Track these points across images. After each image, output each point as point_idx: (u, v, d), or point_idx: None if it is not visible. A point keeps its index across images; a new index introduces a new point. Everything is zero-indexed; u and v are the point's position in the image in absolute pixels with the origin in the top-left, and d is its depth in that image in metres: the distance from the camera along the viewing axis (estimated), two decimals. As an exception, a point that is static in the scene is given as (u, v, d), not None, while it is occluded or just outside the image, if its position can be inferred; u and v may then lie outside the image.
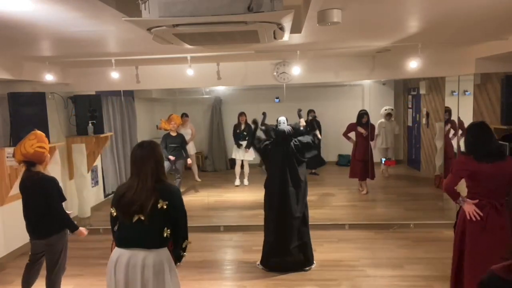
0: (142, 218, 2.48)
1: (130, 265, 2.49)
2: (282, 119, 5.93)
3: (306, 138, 4.50)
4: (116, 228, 2.59)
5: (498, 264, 1.45)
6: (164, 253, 2.56)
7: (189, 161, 7.42)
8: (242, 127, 8.12)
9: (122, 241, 2.56)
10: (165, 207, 2.50)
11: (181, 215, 2.63)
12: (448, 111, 6.41)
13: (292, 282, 4.19)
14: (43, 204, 3.38)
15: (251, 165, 8.32)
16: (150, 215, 2.48)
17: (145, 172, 2.52)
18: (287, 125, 4.56)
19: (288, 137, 4.41)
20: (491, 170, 3.08)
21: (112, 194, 2.98)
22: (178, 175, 7.33)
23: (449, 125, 6.45)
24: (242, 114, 8.26)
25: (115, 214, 2.57)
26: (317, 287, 4.09)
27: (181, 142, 7.32)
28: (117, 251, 2.56)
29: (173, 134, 7.29)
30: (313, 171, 8.68)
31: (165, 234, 2.54)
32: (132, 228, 2.51)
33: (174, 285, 2.61)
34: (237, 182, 8.18)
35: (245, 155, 8.05)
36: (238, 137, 8.14)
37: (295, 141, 4.42)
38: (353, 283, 4.13)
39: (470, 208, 3.13)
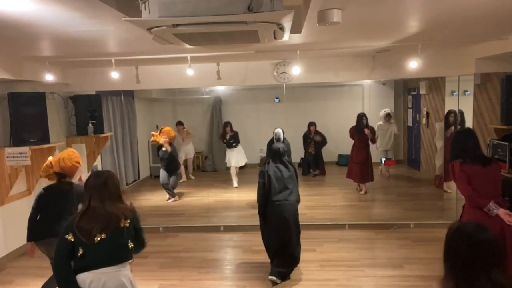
0: (104, 237, 2.49)
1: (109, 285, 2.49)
2: (278, 131, 5.91)
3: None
4: (79, 253, 2.50)
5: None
6: (127, 269, 2.63)
7: (181, 175, 7.35)
8: (228, 136, 8.09)
9: (85, 265, 2.51)
10: (127, 225, 2.56)
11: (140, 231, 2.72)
12: (453, 112, 6.21)
13: (292, 282, 4.19)
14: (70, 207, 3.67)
15: (250, 165, 8.35)
16: (114, 234, 2.52)
17: (103, 197, 2.58)
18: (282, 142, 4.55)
19: (282, 154, 4.38)
20: (483, 172, 3.26)
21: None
22: (170, 190, 7.32)
23: (452, 128, 6.27)
24: (227, 124, 8.16)
25: (72, 239, 2.50)
26: (317, 287, 4.10)
27: (170, 158, 7.12)
28: (79, 278, 2.50)
29: (164, 149, 7.04)
30: (316, 173, 8.70)
31: (130, 247, 2.60)
32: (96, 248, 2.49)
33: None
34: (235, 184, 8.20)
35: (238, 162, 8.07)
36: (227, 144, 8.14)
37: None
38: (353, 283, 4.13)
39: (504, 214, 3.18)
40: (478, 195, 3.24)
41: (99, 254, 2.50)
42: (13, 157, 4.86)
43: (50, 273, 4.17)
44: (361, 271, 4.38)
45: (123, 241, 2.56)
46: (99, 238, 2.49)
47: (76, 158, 3.77)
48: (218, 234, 5.76)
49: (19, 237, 4.98)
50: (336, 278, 4.23)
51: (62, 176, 3.71)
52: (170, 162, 7.19)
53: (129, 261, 2.63)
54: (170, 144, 7.14)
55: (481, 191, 3.23)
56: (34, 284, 4.33)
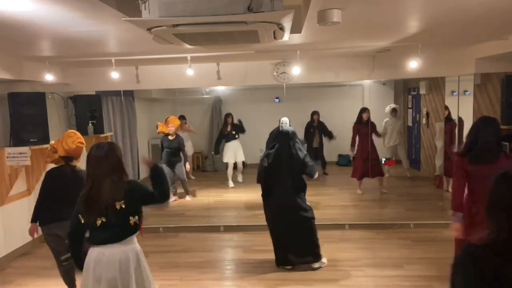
0: (104, 220, 2.57)
1: (98, 261, 2.58)
2: (285, 119, 5.94)
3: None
4: (87, 234, 2.66)
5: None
6: (135, 242, 2.72)
7: (187, 166, 7.23)
8: (229, 128, 8.05)
9: (94, 241, 2.64)
10: (123, 206, 2.57)
11: (149, 196, 2.71)
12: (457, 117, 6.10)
13: (292, 282, 4.19)
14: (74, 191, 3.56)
15: (250, 165, 8.34)
16: (112, 216, 2.58)
17: (101, 173, 2.59)
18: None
19: (292, 137, 4.37)
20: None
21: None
22: (176, 182, 7.25)
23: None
24: (229, 115, 8.12)
25: (83, 221, 2.63)
26: (317, 287, 4.09)
27: (178, 145, 7.05)
28: (93, 249, 2.64)
29: (171, 137, 7.00)
30: (324, 172, 8.68)
31: (132, 222, 2.64)
32: (98, 229, 2.60)
33: (148, 271, 2.77)
34: (231, 184, 8.18)
35: (236, 157, 7.99)
36: (227, 137, 8.06)
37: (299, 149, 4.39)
38: (353, 283, 4.13)
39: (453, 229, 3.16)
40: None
41: (102, 234, 2.60)
42: (13, 157, 4.86)
43: (50, 273, 4.19)
44: (361, 271, 4.38)
45: (122, 222, 2.61)
46: (99, 222, 2.58)
47: (78, 138, 3.69)
48: (218, 234, 5.76)
49: (19, 237, 4.99)
50: (336, 278, 4.23)
51: (69, 159, 3.65)
52: (177, 152, 7.04)
53: (134, 234, 2.69)
54: (177, 134, 7.07)
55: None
56: (34, 284, 4.33)
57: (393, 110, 7.79)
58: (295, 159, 4.31)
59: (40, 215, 3.65)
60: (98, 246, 2.61)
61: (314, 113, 8.28)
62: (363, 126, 7.08)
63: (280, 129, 4.49)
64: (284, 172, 4.30)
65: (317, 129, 8.21)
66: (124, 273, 2.59)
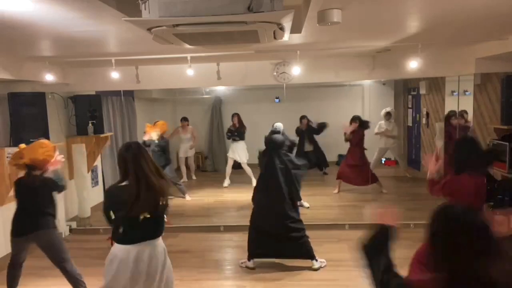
0: (148, 216, 2.64)
1: (139, 259, 2.65)
2: (278, 125, 5.94)
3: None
4: (121, 230, 2.68)
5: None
6: (161, 240, 2.88)
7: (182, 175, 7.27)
8: (233, 128, 8.10)
9: (129, 239, 2.68)
10: (165, 202, 2.72)
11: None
12: (461, 114, 5.96)
13: (292, 282, 4.19)
14: (46, 201, 3.66)
15: (250, 165, 8.34)
16: (156, 212, 2.69)
17: (144, 172, 2.64)
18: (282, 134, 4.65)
19: (280, 146, 4.41)
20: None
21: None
22: (175, 181, 7.20)
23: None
24: (235, 115, 8.18)
25: (113, 216, 2.68)
26: (317, 287, 4.09)
27: (163, 148, 6.95)
28: (122, 248, 2.67)
29: (147, 138, 6.79)
30: (324, 170, 8.69)
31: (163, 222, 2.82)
32: (140, 226, 2.65)
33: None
34: (226, 183, 8.19)
35: (238, 156, 8.01)
36: (230, 136, 8.14)
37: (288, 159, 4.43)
38: (353, 283, 4.13)
39: None
40: None
41: (142, 231, 2.68)
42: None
43: (50, 273, 4.18)
44: (361, 271, 4.37)
45: (161, 220, 2.77)
46: (142, 217, 2.63)
47: (48, 151, 3.59)
48: (218, 234, 5.76)
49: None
50: (336, 278, 4.23)
51: (32, 168, 3.56)
52: (163, 152, 6.95)
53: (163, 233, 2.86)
54: (163, 137, 6.95)
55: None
56: (34, 284, 4.33)
57: (387, 114, 7.78)
58: (284, 172, 4.34)
59: (17, 227, 3.66)
60: (133, 244, 2.65)
61: (303, 117, 8.30)
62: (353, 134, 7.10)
63: (271, 137, 4.53)
64: (277, 188, 4.33)
65: (305, 133, 8.25)
66: (160, 267, 2.73)
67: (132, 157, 2.65)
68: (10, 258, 3.77)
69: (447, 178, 3.14)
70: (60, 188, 3.71)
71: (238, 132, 8.02)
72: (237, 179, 8.25)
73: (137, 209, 2.60)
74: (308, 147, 8.30)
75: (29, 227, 3.58)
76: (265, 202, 4.38)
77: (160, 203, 2.67)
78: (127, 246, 2.66)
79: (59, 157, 3.67)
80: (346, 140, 7.23)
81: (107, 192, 2.71)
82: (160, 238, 2.84)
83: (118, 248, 2.69)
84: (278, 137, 4.52)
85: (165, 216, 2.85)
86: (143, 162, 2.65)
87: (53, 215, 3.68)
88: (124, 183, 2.67)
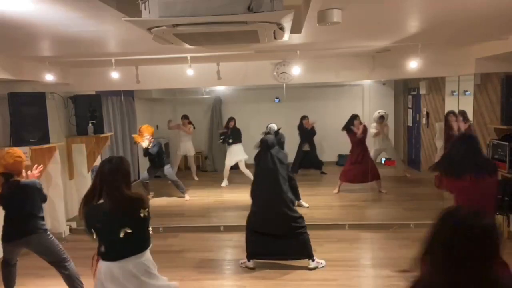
0: (129, 231, 2.53)
1: (123, 277, 2.56)
2: (272, 126, 6.00)
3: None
4: (102, 248, 2.60)
5: None
6: (148, 254, 2.71)
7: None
8: (230, 132, 8.10)
9: (111, 257, 2.59)
10: (146, 214, 2.60)
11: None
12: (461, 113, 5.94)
13: (292, 282, 4.19)
14: (29, 205, 3.64)
15: (249, 165, 8.34)
16: (137, 225, 2.58)
17: (118, 185, 2.56)
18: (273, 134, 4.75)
19: (271, 146, 4.45)
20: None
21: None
22: (172, 180, 7.22)
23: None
24: (231, 119, 8.19)
25: (94, 236, 2.60)
26: (317, 287, 4.09)
27: (156, 151, 6.89)
28: (105, 265, 2.60)
29: (148, 146, 6.81)
30: (322, 170, 8.71)
31: (149, 233, 2.69)
32: (122, 242, 2.55)
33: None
34: (224, 183, 8.21)
35: (238, 159, 8.03)
36: (225, 139, 8.19)
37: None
38: (353, 283, 4.13)
39: None
40: None
41: (124, 248, 2.57)
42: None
43: (50, 273, 4.18)
44: (361, 271, 4.38)
45: (144, 234, 2.63)
46: (123, 234, 2.52)
47: (16, 153, 3.63)
48: (218, 234, 5.75)
49: (19, 237, 4.98)
50: (336, 278, 4.22)
51: (9, 175, 3.59)
52: (159, 157, 6.96)
53: (149, 247, 2.71)
54: (155, 141, 6.95)
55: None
56: (34, 284, 4.33)
57: (380, 117, 7.74)
58: (277, 173, 4.37)
59: (5, 232, 3.65)
60: (116, 261, 2.56)
61: (304, 117, 8.38)
62: (354, 133, 7.11)
63: (262, 137, 4.61)
64: (274, 186, 4.36)
65: (305, 133, 8.35)
66: (143, 285, 2.61)
67: (109, 171, 2.58)
68: (2, 259, 3.80)
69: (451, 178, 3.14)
70: (42, 196, 3.71)
71: (231, 136, 8.04)
72: (237, 179, 8.25)
73: (114, 225, 2.53)
74: (306, 147, 8.44)
75: (17, 233, 3.60)
76: (263, 200, 4.41)
77: (142, 215, 2.56)
78: (109, 264, 2.58)
79: (36, 170, 3.74)
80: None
81: (84, 214, 2.63)
82: (148, 252, 2.70)
83: (102, 265, 2.63)
84: (270, 137, 4.58)
85: (149, 228, 2.70)
86: (119, 176, 2.57)
87: (41, 217, 3.67)
88: (100, 201, 2.60)
